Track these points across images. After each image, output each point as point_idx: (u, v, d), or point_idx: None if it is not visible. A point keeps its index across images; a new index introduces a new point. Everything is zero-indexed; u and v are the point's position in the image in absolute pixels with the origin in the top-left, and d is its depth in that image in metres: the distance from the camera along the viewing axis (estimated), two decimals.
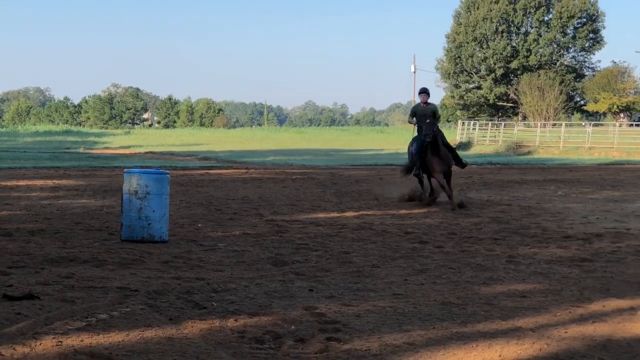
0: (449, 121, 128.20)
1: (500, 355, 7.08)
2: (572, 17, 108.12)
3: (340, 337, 7.66)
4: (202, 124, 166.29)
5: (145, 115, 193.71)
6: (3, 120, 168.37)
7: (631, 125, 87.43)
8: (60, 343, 7.15)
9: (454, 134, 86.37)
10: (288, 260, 12.20)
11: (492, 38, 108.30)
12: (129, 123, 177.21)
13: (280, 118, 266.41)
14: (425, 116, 21.15)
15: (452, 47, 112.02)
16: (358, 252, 13.12)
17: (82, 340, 7.27)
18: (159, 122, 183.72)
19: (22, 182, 26.83)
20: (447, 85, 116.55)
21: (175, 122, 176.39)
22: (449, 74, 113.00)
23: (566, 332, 7.95)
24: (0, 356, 6.69)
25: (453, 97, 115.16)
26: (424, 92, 21.60)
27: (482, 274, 11.19)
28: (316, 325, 8.13)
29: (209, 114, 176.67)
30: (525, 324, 8.26)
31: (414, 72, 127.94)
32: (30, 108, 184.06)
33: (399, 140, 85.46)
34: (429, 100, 21.66)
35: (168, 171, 15.03)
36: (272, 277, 10.83)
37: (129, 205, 13.78)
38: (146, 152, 60.04)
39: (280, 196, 23.17)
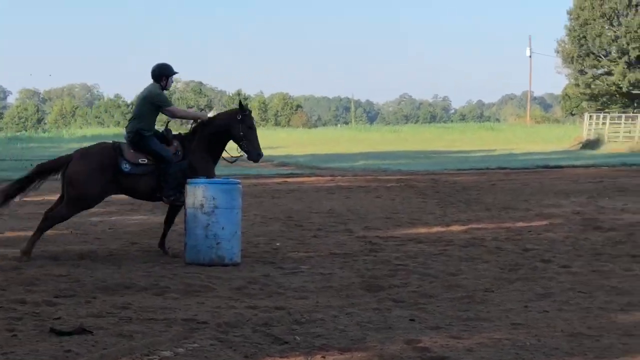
0: (573, 114, 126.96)
1: None
2: None
3: None
4: (277, 123, 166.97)
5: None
6: (45, 124, 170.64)
7: None
8: None
9: (579, 129, 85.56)
10: (384, 284, 12.20)
11: (625, 13, 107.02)
12: (192, 123, 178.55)
13: (371, 115, 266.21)
14: None
15: (575, 26, 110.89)
16: (468, 273, 13.08)
17: None
18: None
19: None
20: (571, 72, 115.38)
21: None
22: (572, 57, 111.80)
23: None
24: None
25: (578, 85, 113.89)
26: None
27: (619, 299, 11.07)
28: None
29: (285, 111, 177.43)
30: None
31: (530, 57, 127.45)
32: (75, 108, 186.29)
33: (512, 138, 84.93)
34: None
35: (239, 180, 15.11)
36: (366, 304, 10.84)
37: (194, 222, 13.88)
38: None
39: (373, 208, 23.19)
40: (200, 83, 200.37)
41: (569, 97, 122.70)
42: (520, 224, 19.36)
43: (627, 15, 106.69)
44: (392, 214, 21.79)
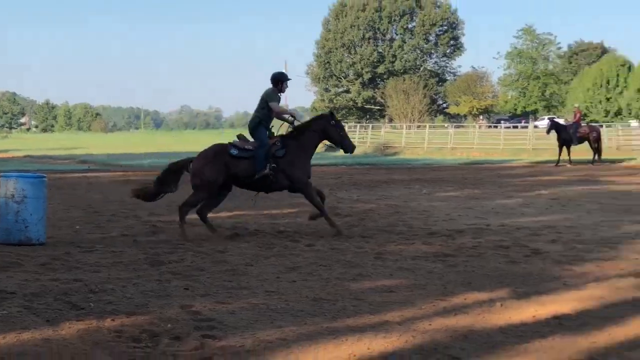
0: None
1: (368, 348, 7.12)
2: (434, 25, 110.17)
3: (215, 334, 7.61)
4: (80, 128, 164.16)
5: (23, 120, 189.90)
6: None
7: (490, 126, 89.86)
8: None
9: None
10: (164, 260, 12.08)
11: (360, 44, 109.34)
12: (6, 127, 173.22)
13: (157, 122, 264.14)
14: None
15: (321, 53, 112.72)
16: (232, 251, 13.06)
17: None
18: (36, 126, 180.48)
19: None
20: (317, 89, 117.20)
21: (53, 126, 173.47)
22: (319, 78, 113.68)
23: (430, 325, 8.04)
24: None
25: (323, 100, 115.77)
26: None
27: (352, 271, 11.24)
28: (192, 323, 8.06)
29: (86, 118, 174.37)
30: (392, 317, 8.32)
31: None
32: None
33: None
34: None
35: (45, 175, 14.71)
36: (149, 276, 10.70)
37: (6, 209, 13.47)
38: (24, 156, 58.76)
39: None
40: (14, 93, 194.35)
41: (316, 110, 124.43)
42: (276, 211, 19.47)
43: (362, 46, 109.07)
44: (172, 202, 21.48)
